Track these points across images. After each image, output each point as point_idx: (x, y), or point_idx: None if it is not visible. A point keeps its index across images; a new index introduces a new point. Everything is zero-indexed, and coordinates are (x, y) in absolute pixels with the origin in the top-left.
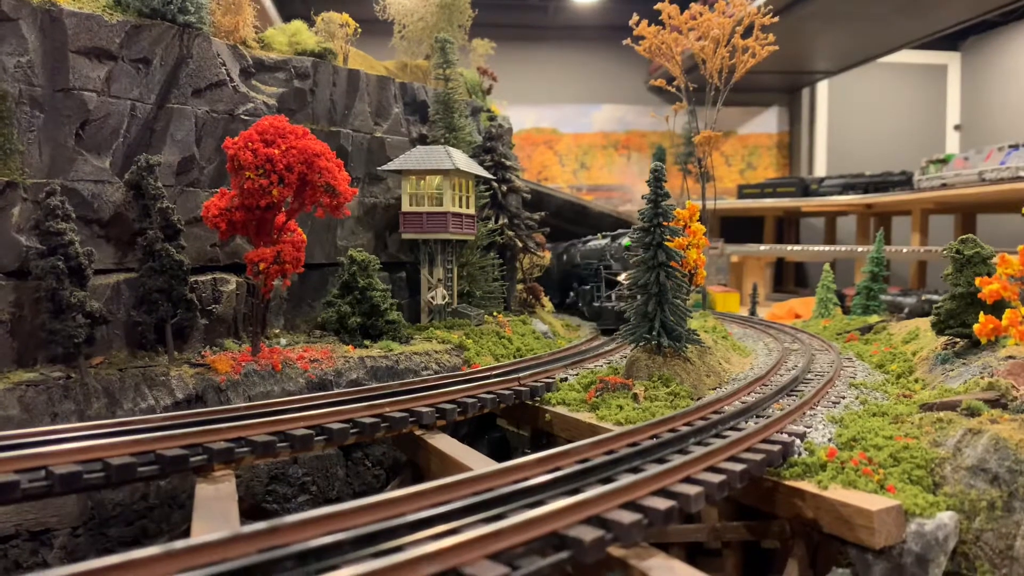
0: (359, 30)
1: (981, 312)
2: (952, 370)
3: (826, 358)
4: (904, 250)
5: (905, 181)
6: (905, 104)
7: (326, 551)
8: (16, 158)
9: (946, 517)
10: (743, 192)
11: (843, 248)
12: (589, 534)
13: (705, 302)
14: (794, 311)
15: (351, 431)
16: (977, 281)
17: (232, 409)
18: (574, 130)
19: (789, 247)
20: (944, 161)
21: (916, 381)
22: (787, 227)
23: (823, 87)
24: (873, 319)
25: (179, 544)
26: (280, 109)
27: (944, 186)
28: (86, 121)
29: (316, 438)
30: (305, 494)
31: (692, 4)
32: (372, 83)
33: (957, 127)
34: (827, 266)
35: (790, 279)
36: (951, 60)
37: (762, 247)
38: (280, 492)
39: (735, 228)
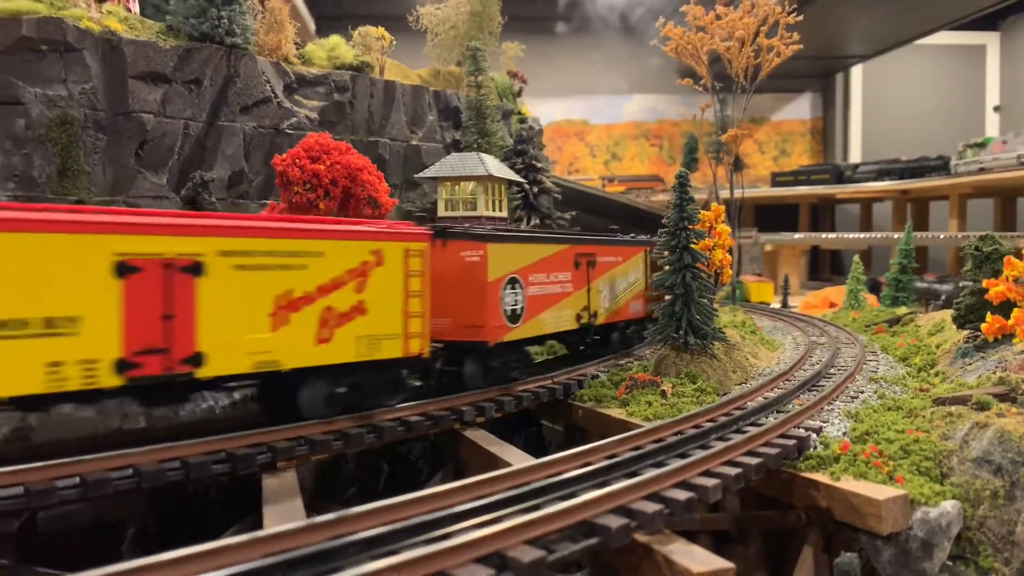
0: (394, 43)
1: (988, 312)
2: (971, 364)
3: (850, 352)
4: (941, 236)
5: (942, 166)
6: (942, 86)
7: (387, 538)
8: (83, 178)
9: (949, 505)
10: (776, 180)
11: (879, 235)
12: (616, 522)
13: (735, 295)
14: (829, 299)
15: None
16: (984, 283)
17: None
18: (605, 121)
19: (823, 235)
20: (982, 145)
21: (937, 375)
22: (822, 214)
23: (857, 71)
24: (902, 310)
25: (263, 532)
26: (321, 122)
27: (982, 170)
28: (144, 141)
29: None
30: (354, 487)
31: (717, 6)
32: (407, 93)
33: (996, 108)
34: (856, 257)
35: (825, 267)
36: (990, 40)
37: (796, 235)
38: (331, 486)
39: (769, 216)
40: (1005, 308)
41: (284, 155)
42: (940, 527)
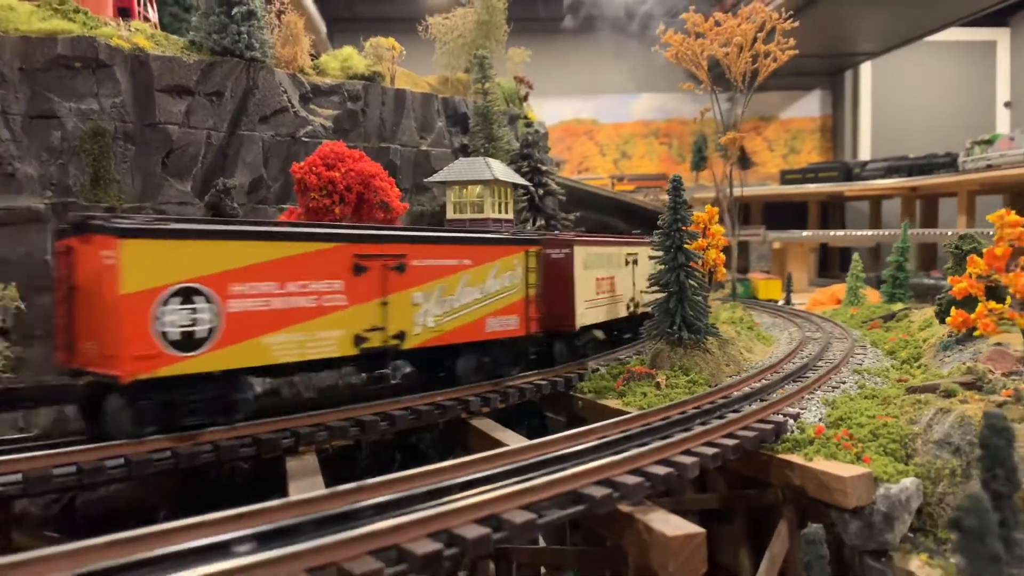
0: (404, 52)
1: (953, 307)
2: (949, 356)
3: (840, 346)
4: (949, 233)
5: (950, 163)
6: (952, 83)
7: (399, 503)
8: (114, 186)
9: (909, 482)
10: (785, 178)
11: (886, 232)
12: (600, 492)
13: (735, 292)
14: (836, 296)
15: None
16: (949, 279)
17: (309, 400)
18: (614, 120)
19: (831, 232)
20: (989, 142)
21: (920, 367)
22: (831, 212)
23: (866, 68)
24: (897, 307)
25: (293, 498)
26: (335, 130)
27: (990, 167)
28: (170, 150)
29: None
30: (369, 475)
31: (716, 13)
32: (417, 100)
33: (1007, 104)
34: (856, 256)
35: (835, 264)
36: (1000, 36)
37: (804, 233)
38: (347, 475)
39: (778, 214)
40: (970, 303)
41: (302, 163)
42: (900, 502)
